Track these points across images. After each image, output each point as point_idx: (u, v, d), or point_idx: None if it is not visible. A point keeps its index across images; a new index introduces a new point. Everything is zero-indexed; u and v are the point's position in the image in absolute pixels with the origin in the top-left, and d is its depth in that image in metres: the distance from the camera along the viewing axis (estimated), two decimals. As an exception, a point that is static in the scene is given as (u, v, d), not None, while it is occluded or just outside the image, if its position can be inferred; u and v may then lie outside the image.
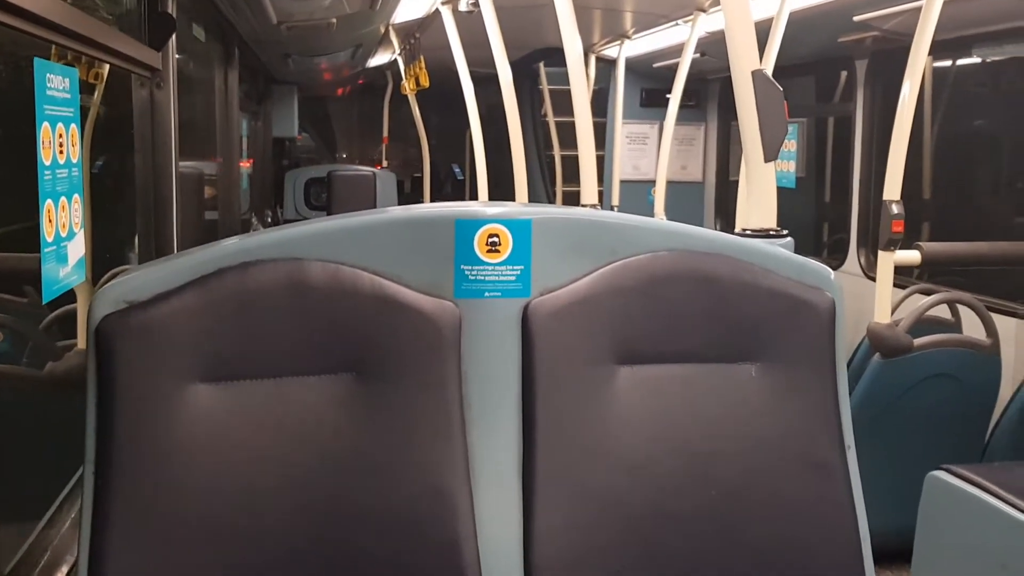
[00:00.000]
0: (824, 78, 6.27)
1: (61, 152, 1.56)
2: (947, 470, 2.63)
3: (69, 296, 2.06)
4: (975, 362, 3.46)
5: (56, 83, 1.55)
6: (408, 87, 6.94)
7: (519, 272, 1.43)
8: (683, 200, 6.84)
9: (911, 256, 3.45)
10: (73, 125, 1.62)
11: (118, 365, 1.28)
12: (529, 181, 4.50)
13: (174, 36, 2.55)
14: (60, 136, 1.57)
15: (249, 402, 1.33)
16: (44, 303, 1.61)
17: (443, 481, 1.38)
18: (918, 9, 3.00)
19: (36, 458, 2.19)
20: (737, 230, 1.90)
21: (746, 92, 1.74)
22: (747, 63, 1.75)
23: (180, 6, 2.76)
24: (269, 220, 7.78)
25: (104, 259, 2.91)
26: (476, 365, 1.42)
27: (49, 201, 1.54)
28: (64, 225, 1.58)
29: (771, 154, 1.72)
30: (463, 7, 4.54)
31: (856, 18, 4.18)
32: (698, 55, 5.13)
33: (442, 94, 7.38)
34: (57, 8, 1.56)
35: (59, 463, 2.12)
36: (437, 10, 4.78)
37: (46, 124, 1.51)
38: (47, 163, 1.51)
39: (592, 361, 1.44)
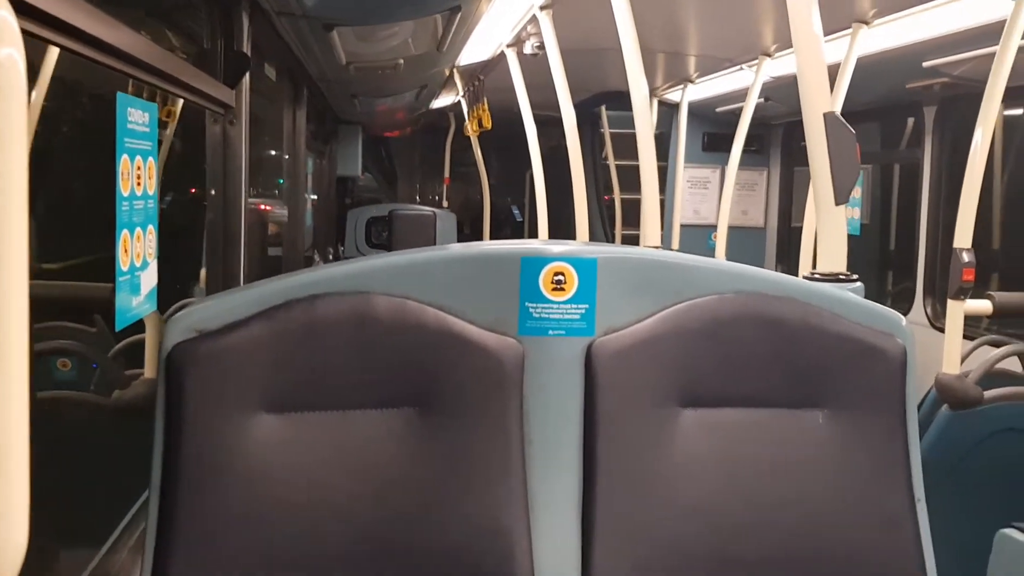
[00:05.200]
0: (889, 124, 6.19)
1: (139, 184, 1.60)
2: (1018, 528, 2.54)
3: (136, 326, 2.11)
4: (1048, 417, 3.35)
5: (136, 117, 1.60)
6: (471, 129, 7.01)
7: (584, 311, 1.42)
8: (744, 245, 6.78)
9: (982, 306, 3.36)
10: (151, 158, 1.66)
11: (187, 392, 1.30)
12: (589, 223, 4.51)
13: (248, 74, 2.62)
14: (138, 168, 1.61)
15: (312, 433, 1.34)
16: (116, 331, 1.65)
17: (502, 518, 1.37)
18: (991, 55, 2.96)
19: (100, 484, 2.23)
20: (805, 273, 1.87)
21: (817, 134, 1.72)
22: (819, 105, 1.74)
23: (253, 46, 2.83)
24: (331, 257, 7.89)
25: (173, 291, 2.97)
26: (538, 403, 1.41)
27: (125, 231, 1.57)
28: (139, 255, 1.62)
29: (842, 197, 1.69)
30: (528, 50, 4.59)
31: (926, 64, 4.12)
32: (762, 100, 5.11)
33: (501, 136, 7.45)
34: (143, 46, 1.62)
35: (121, 489, 2.15)
36: (502, 52, 4.84)
37: (125, 156, 1.56)
38: (125, 194, 1.55)
39: (655, 402, 1.42)
